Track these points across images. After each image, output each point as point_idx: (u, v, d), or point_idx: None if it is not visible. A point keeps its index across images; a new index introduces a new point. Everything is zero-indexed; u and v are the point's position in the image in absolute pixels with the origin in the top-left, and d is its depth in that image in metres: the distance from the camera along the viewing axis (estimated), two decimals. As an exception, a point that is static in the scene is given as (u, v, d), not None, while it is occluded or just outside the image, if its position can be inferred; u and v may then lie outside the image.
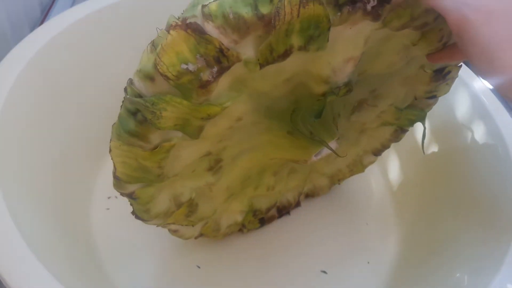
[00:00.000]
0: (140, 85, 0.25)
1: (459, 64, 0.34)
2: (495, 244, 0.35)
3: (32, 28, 0.57)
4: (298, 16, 0.22)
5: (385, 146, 0.43)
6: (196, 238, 0.41)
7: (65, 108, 0.43)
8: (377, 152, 0.44)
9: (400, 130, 0.41)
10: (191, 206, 0.35)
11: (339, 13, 0.24)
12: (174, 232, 0.38)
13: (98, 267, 0.41)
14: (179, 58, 0.23)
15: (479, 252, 0.36)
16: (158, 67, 0.23)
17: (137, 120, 0.26)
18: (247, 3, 0.22)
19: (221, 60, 0.23)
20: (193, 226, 0.38)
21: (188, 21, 0.23)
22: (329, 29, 0.24)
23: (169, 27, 0.23)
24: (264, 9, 0.22)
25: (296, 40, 0.24)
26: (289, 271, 0.43)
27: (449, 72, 0.34)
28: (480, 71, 0.24)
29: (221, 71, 0.24)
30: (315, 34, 0.24)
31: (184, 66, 0.23)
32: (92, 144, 0.46)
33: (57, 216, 0.39)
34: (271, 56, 0.24)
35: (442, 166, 0.45)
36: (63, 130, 0.43)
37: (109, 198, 0.45)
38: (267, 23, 0.23)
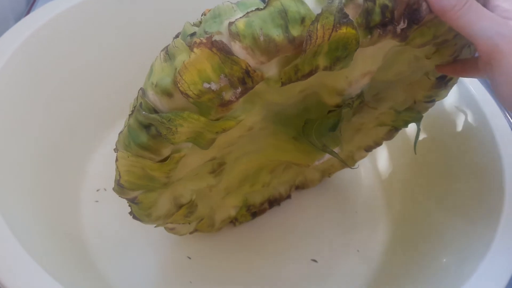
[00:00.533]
0: (156, 100, 0.24)
1: None
2: (480, 232, 0.36)
3: (17, 20, 0.56)
4: (329, 39, 0.22)
5: (378, 144, 0.43)
6: (191, 233, 0.41)
7: (52, 100, 0.42)
8: (369, 149, 0.44)
9: (394, 130, 0.41)
10: (191, 207, 0.35)
11: (369, 36, 0.23)
12: (170, 230, 0.38)
13: (87, 259, 0.41)
14: (201, 76, 0.22)
15: (465, 240, 0.37)
16: (178, 85, 0.22)
17: (150, 135, 0.25)
18: (277, 24, 0.21)
19: (246, 81, 0.22)
20: (189, 224, 0.38)
21: (213, 39, 0.21)
22: (356, 50, 0.23)
23: (193, 44, 0.22)
24: (295, 31, 0.21)
25: (322, 61, 0.23)
26: (279, 260, 0.43)
27: (451, 79, 0.34)
28: (505, 101, 0.25)
29: (245, 91, 0.23)
30: (342, 56, 0.23)
31: (207, 85, 0.22)
32: (80, 137, 0.45)
33: (46, 209, 0.38)
34: (295, 76, 0.24)
35: (431, 156, 0.45)
36: (50, 123, 0.42)
37: (97, 190, 0.44)
38: (297, 46, 0.22)
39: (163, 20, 0.50)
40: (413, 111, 0.37)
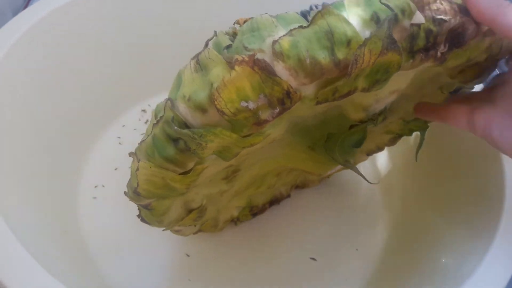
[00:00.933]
0: (187, 114, 0.23)
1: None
2: (480, 232, 0.36)
3: (14, 14, 0.55)
4: (373, 63, 0.21)
5: (380, 149, 0.44)
6: (194, 233, 0.41)
7: (49, 96, 0.41)
8: (371, 153, 0.44)
9: (398, 137, 0.41)
10: (201, 212, 0.35)
11: (411, 60, 0.23)
12: (176, 231, 0.38)
13: (85, 256, 0.40)
14: (239, 95, 0.21)
15: (464, 240, 0.37)
16: (215, 102, 0.22)
17: (178, 148, 0.24)
18: (323, 46, 0.21)
19: (285, 101, 0.22)
20: (195, 226, 0.38)
21: (256, 57, 0.21)
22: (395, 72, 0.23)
23: (234, 62, 0.21)
24: (341, 54, 0.21)
25: (361, 83, 0.23)
26: (278, 258, 0.44)
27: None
28: None
29: (282, 111, 0.22)
30: (381, 79, 0.23)
31: (244, 104, 0.21)
32: (77, 133, 0.45)
33: (43, 206, 0.38)
34: (332, 97, 0.23)
35: (430, 155, 0.45)
36: (47, 119, 0.41)
37: (95, 187, 0.44)
38: (342, 69, 0.21)
39: (162, 17, 0.49)
40: (420, 121, 0.38)
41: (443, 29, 0.23)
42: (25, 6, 0.57)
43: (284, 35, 0.21)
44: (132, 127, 0.49)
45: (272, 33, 0.21)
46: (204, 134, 0.23)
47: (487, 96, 0.28)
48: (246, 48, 0.21)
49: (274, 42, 0.21)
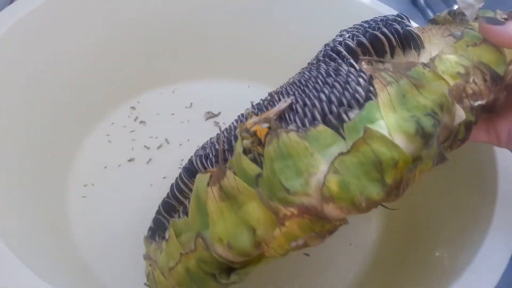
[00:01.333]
0: (228, 256, 0.22)
1: None
2: (474, 226, 0.36)
3: (0, 8, 0.54)
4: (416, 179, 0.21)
5: None
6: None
7: (36, 93, 0.41)
8: None
9: None
10: None
11: (449, 149, 0.23)
12: None
13: (75, 255, 0.39)
14: (288, 239, 0.21)
15: (459, 234, 0.37)
16: (263, 250, 0.21)
17: (221, 283, 0.23)
18: (373, 179, 0.19)
19: (333, 231, 0.21)
20: None
21: (304, 206, 0.20)
22: None
23: (283, 217, 0.20)
24: (389, 178, 0.19)
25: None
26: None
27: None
28: None
29: (329, 236, 0.22)
30: None
31: (294, 244, 0.21)
32: (65, 132, 0.44)
33: (31, 205, 0.37)
34: None
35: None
36: (34, 117, 0.40)
37: (85, 185, 0.43)
38: (391, 192, 0.20)
39: (150, 13, 0.49)
40: None
41: (479, 113, 0.22)
42: (11, 2, 0.56)
43: (328, 173, 0.19)
44: (122, 125, 0.48)
45: (312, 167, 0.20)
46: (250, 271, 0.22)
47: (510, 98, 0.27)
48: (287, 191, 0.20)
49: (321, 184, 0.19)
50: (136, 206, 0.42)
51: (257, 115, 0.26)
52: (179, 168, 0.46)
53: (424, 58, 0.27)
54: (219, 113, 0.52)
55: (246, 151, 0.23)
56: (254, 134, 0.23)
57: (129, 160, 0.46)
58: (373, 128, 0.20)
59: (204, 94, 0.53)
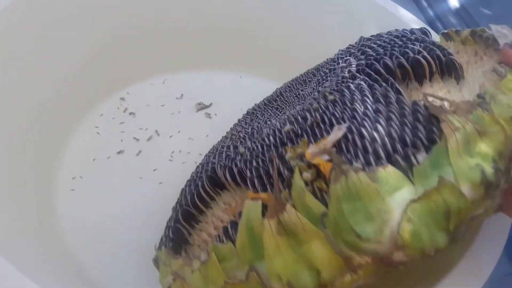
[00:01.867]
0: None
1: None
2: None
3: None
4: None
5: None
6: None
7: (22, 86, 0.40)
8: None
9: None
10: None
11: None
12: None
13: (63, 250, 0.39)
14: (354, 282, 0.20)
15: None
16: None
17: None
18: (441, 227, 0.19)
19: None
20: None
21: (378, 255, 0.19)
22: None
23: (356, 267, 0.20)
24: (452, 226, 0.20)
25: None
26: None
27: None
28: None
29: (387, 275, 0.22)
30: None
31: (354, 285, 0.21)
32: (53, 123, 0.43)
33: (18, 199, 0.36)
34: None
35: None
36: (21, 109, 0.39)
37: (73, 178, 0.42)
38: (452, 238, 0.21)
39: (141, 3, 0.48)
40: None
41: None
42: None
43: (401, 221, 0.19)
44: (111, 116, 0.48)
45: (384, 214, 0.19)
46: None
47: None
48: (359, 237, 0.19)
49: (395, 233, 0.19)
50: (125, 198, 0.42)
51: (300, 136, 0.25)
52: (170, 160, 0.45)
53: (467, 91, 0.26)
54: (211, 104, 0.51)
55: (302, 169, 0.22)
56: (314, 166, 0.22)
57: (119, 152, 0.45)
58: (446, 178, 0.20)
59: (195, 85, 0.53)
